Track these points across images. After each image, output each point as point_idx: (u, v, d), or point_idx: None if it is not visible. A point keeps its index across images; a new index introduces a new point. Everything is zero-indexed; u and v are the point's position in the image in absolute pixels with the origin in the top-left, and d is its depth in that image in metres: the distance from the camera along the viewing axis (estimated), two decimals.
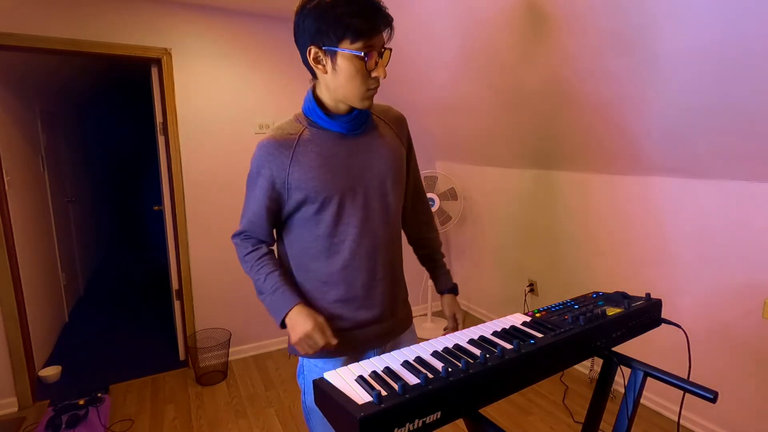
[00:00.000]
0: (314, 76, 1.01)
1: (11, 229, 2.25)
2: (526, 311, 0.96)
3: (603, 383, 0.93)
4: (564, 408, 2.20)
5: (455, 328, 1.21)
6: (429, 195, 3.00)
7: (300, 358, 1.13)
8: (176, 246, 2.61)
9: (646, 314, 0.96)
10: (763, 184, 1.66)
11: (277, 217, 1.06)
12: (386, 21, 0.92)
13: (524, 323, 0.88)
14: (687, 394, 0.82)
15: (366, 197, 1.03)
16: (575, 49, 1.70)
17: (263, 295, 1.04)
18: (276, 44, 2.67)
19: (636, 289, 2.13)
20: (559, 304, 0.98)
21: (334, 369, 0.71)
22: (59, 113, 3.81)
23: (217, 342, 2.63)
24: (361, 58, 0.91)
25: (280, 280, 1.02)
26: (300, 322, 0.96)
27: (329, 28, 0.89)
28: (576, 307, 0.96)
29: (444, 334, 0.87)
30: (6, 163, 2.33)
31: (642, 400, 2.18)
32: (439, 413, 0.64)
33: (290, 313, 0.99)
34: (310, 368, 1.09)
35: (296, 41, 0.98)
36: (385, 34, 0.94)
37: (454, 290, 1.26)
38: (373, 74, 0.94)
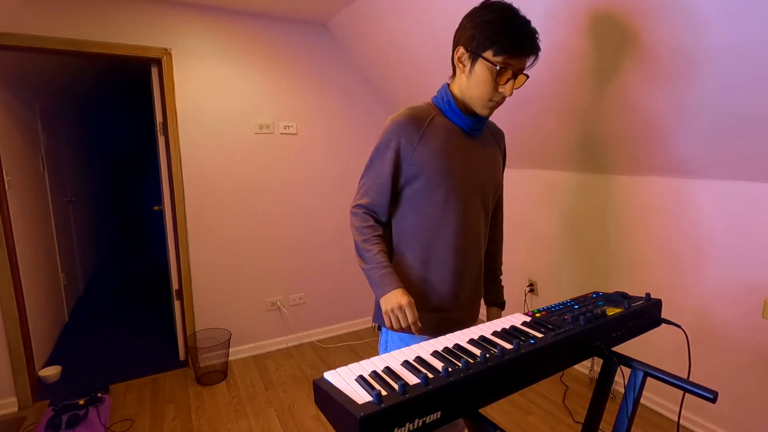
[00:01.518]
0: (454, 73, 1.13)
1: (11, 229, 2.25)
2: (526, 311, 0.96)
3: (603, 383, 0.94)
4: (564, 408, 2.20)
5: None
6: None
7: (383, 334, 1.22)
8: (176, 246, 2.61)
9: (646, 314, 0.96)
10: (763, 184, 1.66)
11: (396, 191, 1.14)
12: (532, 50, 1.03)
13: (524, 323, 0.88)
14: (687, 394, 0.82)
15: (470, 192, 1.14)
16: (576, 49, 1.70)
17: (369, 266, 1.10)
18: (276, 44, 2.67)
19: (636, 289, 2.13)
20: (559, 304, 0.98)
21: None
22: (59, 113, 3.81)
23: (217, 342, 2.64)
24: (496, 71, 1.02)
25: (389, 262, 1.10)
26: (398, 295, 1.03)
27: (481, 36, 1.01)
28: (576, 307, 0.96)
29: None
30: (6, 163, 2.33)
31: (642, 400, 2.18)
32: (439, 413, 0.64)
33: (390, 293, 1.05)
34: (395, 342, 1.18)
35: (454, 36, 1.10)
36: (527, 60, 1.04)
37: (502, 305, 1.35)
38: (500, 89, 1.04)
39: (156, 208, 2.95)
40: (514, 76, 1.04)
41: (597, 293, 1.07)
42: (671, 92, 1.57)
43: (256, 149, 2.71)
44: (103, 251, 5.48)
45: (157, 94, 2.52)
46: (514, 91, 1.06)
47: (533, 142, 2.39)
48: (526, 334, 0.82)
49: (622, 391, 1.11)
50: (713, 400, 0.77)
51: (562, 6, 1.60)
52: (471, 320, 1.22)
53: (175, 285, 2.70)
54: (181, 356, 2.76)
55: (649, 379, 0.87)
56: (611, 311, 0.92)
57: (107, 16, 2.25)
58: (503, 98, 1.07)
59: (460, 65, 1.08)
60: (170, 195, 2.58)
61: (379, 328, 1.24)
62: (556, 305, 0.98)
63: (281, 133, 2.77)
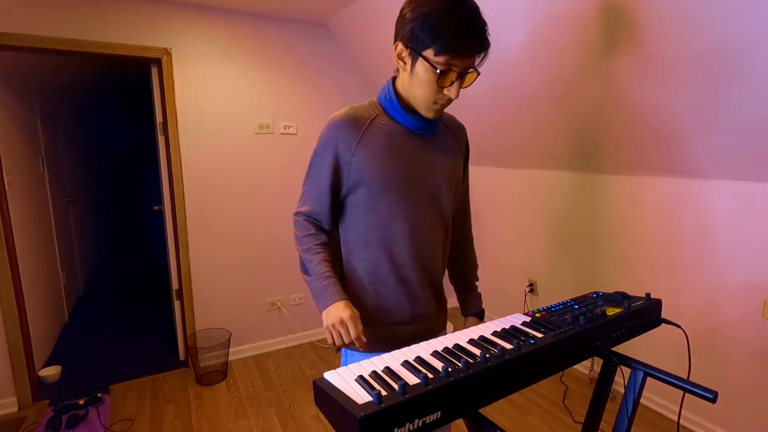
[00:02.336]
0: (397, 69, 1.02)
1: (11, 229, 2.25)
2: (526, 311, 0.96)
3: (603, 383, 0.93)
4: (564, 408, 2.20)
5: None
6: None
7: (343, 353, 1.14)
8: (176, 246, 2.61)
9: (646, 314, 0.96)
10: (763, 184, 1.66)
11: (337, 199, 1.06)
12: (478, 48, 0.91)
13: (524, 323, 0.88)
14: (687, 394, 0.82)
15: (421, 197, 1.04)
16: (576, 49, 1.70)
17: (310, 278, 1.03)
18: (276, 44, 2.67)
19: (636, 289, 2.13)
20: (559, 304, 0.98)
21: None
22: (59, 113, 3.81)
23: (217, 342, 2.64)
24: (437, 73, 0.90)
25: (332, 272, 1.02)
26: (339, 308, 0.96)
27: (421, 33, 0.89)
28: (576, 307, 0.96)
29: None
30: (6, 163, 2.33)
31: (642, 400, 2.18)
32: (439, 413, 0.64)
33: (331, 306, 0.98)
34: (352, 359, 1.10)
35: (395, 26, 0.98)
36: (475, 58, 0.93)
37: (480, 315, 1.23)
38: (445, 92, 0.94)
39: (156, 208, 2.95)
40: (461, 76, 0.92)
41: (597, 293, 1.07)
42: (671, 92, 1.57)
43: (256, 149, 2.71)
44: (103, 251, 5.48)
45: (157, 94, 2.52)
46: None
47: (533, 142, 2.39)
48: (526, 334, 0.82)
49: (622, 391, 1.11)
50: (713, 400, 0.77)
51: (567, 4, 1.60)
52: (433, 333, 1.12)
53: (175, 285, 2.70)
54: (181, 356, 2.76)
55: (649, 379, 0.87)
56: (611, 311, 0.92)
57: (107, 16, 2.25)
58: (449, 100, 0.96)
59: (401, 63, 0.97)
60: (170, 195, 2.58)
61: (337, 350, 1.11)
62: (556, 305, 0.98)
63: (281, 133, 2.77)
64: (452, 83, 0.93)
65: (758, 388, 1.75)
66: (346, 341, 0.94)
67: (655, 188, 2.01)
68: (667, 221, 1.98)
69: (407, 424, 0.60)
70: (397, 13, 0.96)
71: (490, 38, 0.92)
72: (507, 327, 0.86)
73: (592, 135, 2.04)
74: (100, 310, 3.69)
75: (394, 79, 1.03)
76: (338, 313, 0.94)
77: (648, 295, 0.99)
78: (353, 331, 0.93)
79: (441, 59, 0.89)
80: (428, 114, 1.00)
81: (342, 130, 1.00)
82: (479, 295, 1.27)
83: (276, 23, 2.65)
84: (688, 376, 0.89)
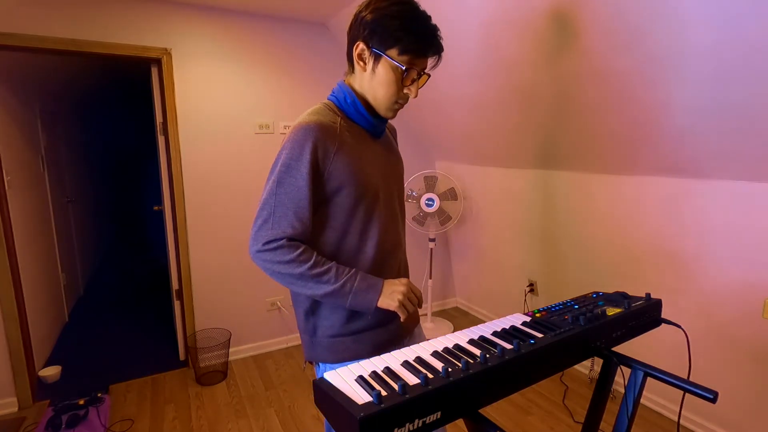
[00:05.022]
0: (352, 70, 1.02)
1: (11, 229, 2.25)
2: (526, 311, 0.96)
3: (603, 383, 0.94)
4: (564, 408, 2.20)
5: None
6: (429, 195, 3.01)
7: (318, 368, 1.09)
8: (176, 246, 2.61)
9: (646, 314, 0.96)
10: (763, 184, 1.66)
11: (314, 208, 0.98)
12: (437, 50, 0.96)
13: (524, 323, 0.88)
14: (687, 394, 0.82)
15: (391, 199, 1.08)
16: (578, 49, 1.70)
17: (339, 282, 0.93)
18: (276, 44, 2.67)
19: (636, 289, 2.13)
20: (559, 304, 0.98)
21: None
22: (59, 113, 3.81)
23: (217, 342, 2.64)
24: (401, 71, 0.94)
25: (348, 268, 0.97)
26: (396, 284, 0.96)
27: (384, 33, 0.91)
28: (576, 307, 0.96)
29: None
30: (6, 163, 2.33)
31: (642, 400, 2.18)
32: (439, 413, 0.64)
33: (384, 287, 0.96)
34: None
35: (348, 31, 0.99)
36: (430, 61, 0.97)
37: None
38: (405, 90, 0.97)
39: (156, 208, 2.95)
40: (419, 76, 0.97)
41: (597, 293, 1.07)
42: (671, 92, 1.57)
43: (256, 149, 2.71)
44: (103, 251, 5.48)
45: (157, 94, 2.52)
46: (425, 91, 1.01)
47: (533, 142, 2.39)
48: (526, 334, 0.82)
49: (622, 391, 1.11)
50: (713, 400, 0.77)
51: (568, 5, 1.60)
52: (413, 324, 1.15)
53: (175, 285, 2.70)
54: (181, 356, 2.76)
55: (649, 379, 0.87)
56: (611, 311, 0.92)
57: (107, 16, 2.25)
58: (407, 99, 1.00)
59: (360, 63, 0.96)
60: (170, 195, 2.58)
61: (314, 365, 1.10)
62: (556, 305, 0.98)
63: (281, 133, 2.77)
64: (413, 82, 0.97)
65: (758, 388, 1.75)
66: (419, 299, 0.98)
67: (655, 188, 2.01)
68: (667, 221, 1.98)
69: (407, 424, 0.60)
70: None
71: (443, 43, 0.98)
72: (507, 327, 0.86)
73: (592, 135, 2.04)
74: (100, 310, 3.69)
75: (344, 81, 1.04)
76: (400, 287, 0.96)
77: (648, 295, 0.99)
78: (417, 291, 0.98)
79: (404, 58, 0.93)
80: (388, 114, 1.02)
81: (319, 136, 0.93)
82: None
83: (276, 23, 2.65)
84: (688, 376, 0.89)
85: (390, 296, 0.94)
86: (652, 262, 2.06)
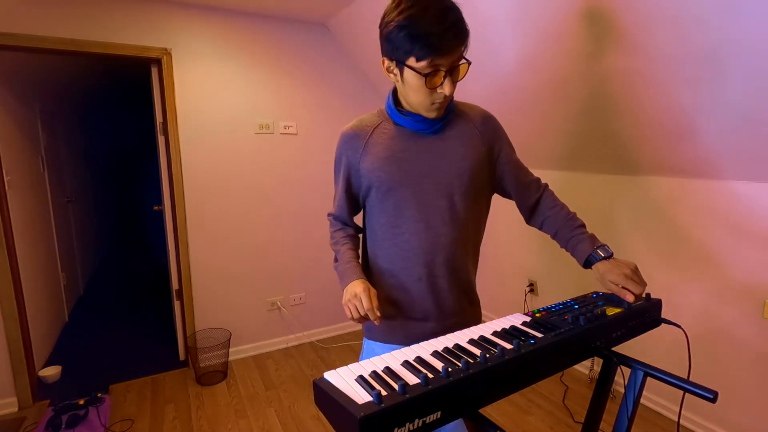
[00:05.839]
0: None
1: (11, 229, 2.25)
2: (526, 311, 0.96)
3: (603, 383, 0.94)
4: (564, 408, 2.20)
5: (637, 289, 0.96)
6: None
7: (363, 342, 1.22)
8: (176, 246, 2.61)
9: (646, 314, 0.96)
10: (763, 184, 1.66)
11: (356, 201, 1.18)
12: (455, 43, 0.92)
13: (524, 323, 0.88)
14: (687, 394, 0.82)
15: (429, 194, 1.07)
16: (578, 50, 1.70)
17: (337, 263, 1.13)
18: (276, 44, 2.67)
19: None
20: (559, 304, 0.98)
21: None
22: (59, 113, 3.81)
23: (217, 342, 2.64)
24: (424, 77, 0.94)
25: (355, 258, 1.12)
26: (355, 285, 1.02)
27: (399, 43, 0.93)
28: (576, 307, 0.96)
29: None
30: (6, 163, 2.33)
31: (642, 400, 2.18)
32: (439, 413, 0.64)
33: (348, 284, 1.04)
34: (369, 350, 1.17)
35: (380, 46, 1.02)
36: (457, 52, 0.93)
37: (599, 254, 1.05)
38: (438, 90, 0.97)
39: (156, 208, 2.95)
40: (450, 72, 0.95)
41: (597, 293, 1.07)
42: (672, 92, 1.57)
43: (256, 149, 2.71)
44: (103, 251, 5.48)
45: (157, 94, 2.52)
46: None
47: (534, 142, 2.39)
48: (526, 334, 0.82)
49: (622, 391, 1.11)
50: (713, 400, 0.77)
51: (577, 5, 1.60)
52: (452, 331, 1.12)
53: (175, 285, 2.70)
54: (181, 356, 2.76)
55: (649, 379, 0.87)
56: (611, 311, 0.92)
57: (107, 16, 2.25)
58: (446, 97, 0.98)
59: (391, 75, 1.02)
60: (170, 195, 2.58)
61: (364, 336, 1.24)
62: (556, 305, 0.98)
63: (281, 133, 2.77)
64: (442, 82, 0.96)
65: (758, 388, 1.75)
66: (361, 313, 0.98)
67: (655, 188, 2.01)
68: (667, 221, 1.98)
69: (407, 424, 0.60)
70: None
71: (467, 26, 0.94)
72: (507, 327, 0.86)
73: (592, 135, 2.04)
74: (100, 310, 3.69)
75: (396, 87, 1.09)
76: (353, 288, 1.00)
77: (648, 295, 0.99)
78: (366, 302, 0.96)
79: (423, 64, 0.92)
80: (430, 114, 1.04)
81: (348, 141, 1.12)
82: (590, 236, 1.11)
83: (276, 23, 2.65)
84: (688, 376, 0.89)
85: (345, 292, 1.03)
86: (652, 262, 2.06)
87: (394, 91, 1.09)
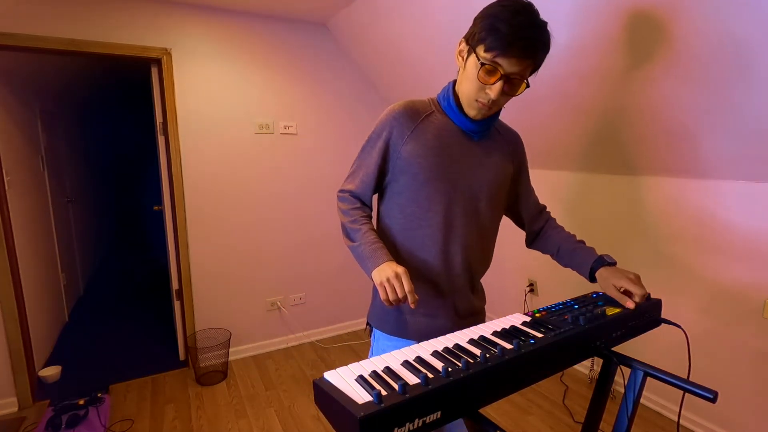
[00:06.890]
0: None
1: (11, 229, 2.25)
2: (526, 311, 0.96)
3: (603, 383, 0.94)
4: (564, 408, 2.20)
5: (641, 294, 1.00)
6: None
7: (372, 338, 1.18)
8: (176, 246, 2.61)
9: (645, 314, 0.96)
10: (763, 184, 1.66)
11: (381, 183, 1.12)
12: (523, 53, 0.93)
13: (524, 323, 0.88)
14: (687, 394, 0.82)
15: (459, 196, 1.08)
16: (578, 50, 1.70)
17: (357, 243, 1.05)
18: (276, 44, 2.67)
19: None
20: (559, 304, 0.98)
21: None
22: (59, 113, 3.81)
23: (217, 342, 2.64)
24: (481, 65, 0.95)
25: (379, 240, 1.05)
26: (392, 265, 0.96)
27: (479, 31, 0.95)
28: (576, 307, 0.96)
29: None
30: (6, 163, 2.33)
31: (642, 400, 2.18)
32: (439, 413, 0.64)
33: (383, 264, 0.98)
34: (382, 345, 1.15)
35: None
36: (522, 64, 0.94)
37: (604, 260, 1.09)
38: (487, 89, 0.98)
39: (156, 208, 2.95)
40: (506, 79, 0.95)
41: (597, 293, 1.07)
42: (679, 93, 1.57)
43: (256, 149, 2.71)
44: (103, 251, 5.48)
45: (156, 94, 2.52)
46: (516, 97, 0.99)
47: (535, 142, 2.39)
48: (526, 334, 0.82)
49: (622, 391, 1.11)
50: (713, 400, 0.77)
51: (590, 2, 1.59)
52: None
53: (175, 285, 2.70)
54: (181, 356, 2.76)
55: (649, 379, 0.87)
56: (611, 311, 0.92)
57: (107, 16, 2.25)
58: (490, 101, 0.98)
59: (459, 59, 1.03)
60: (170, 195, 2.58)
61: (371, 332, 1.20)
62: (556, 305, 0.98)
63: (281, 133, 2.77)
64: (494, 83, 0.96)
65: (758, 388, 1.75)
66: (400, 295, 0.93)
67: (655, 188, 2.01)
68: (668, 221, 1.98)
69: (407, 424, 0.60)
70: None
71: (544, 52, 0.96)
72: (507, 327, 0.86)
73: (592, 136, 2.04)
74: (100, 310, 3.69)
75: (455, 81, 1.09)
76: (392, 268, 0.95)
77: (648, 295, 0.99)
78: (407, 284, 0.93)
79: (488, 55, 0.94)
80: (470, 111, 1.04)
81: (399, 119, 1.06)
82: (589, 249, 1.14)
83: (276, 23, 2.65)
84: (688, 376, 0.89)
85: (380, 272, 0.96)
86: (652, 262, 2.06)
87: (454, 83, 1.09)
